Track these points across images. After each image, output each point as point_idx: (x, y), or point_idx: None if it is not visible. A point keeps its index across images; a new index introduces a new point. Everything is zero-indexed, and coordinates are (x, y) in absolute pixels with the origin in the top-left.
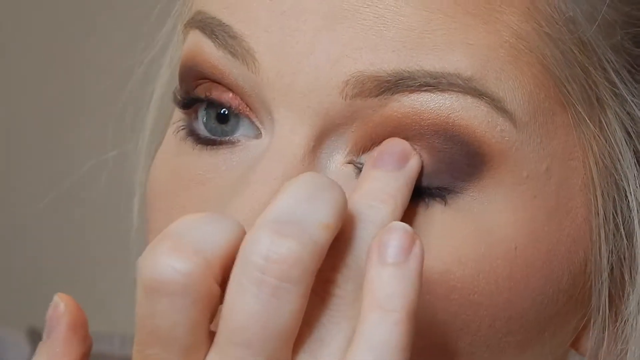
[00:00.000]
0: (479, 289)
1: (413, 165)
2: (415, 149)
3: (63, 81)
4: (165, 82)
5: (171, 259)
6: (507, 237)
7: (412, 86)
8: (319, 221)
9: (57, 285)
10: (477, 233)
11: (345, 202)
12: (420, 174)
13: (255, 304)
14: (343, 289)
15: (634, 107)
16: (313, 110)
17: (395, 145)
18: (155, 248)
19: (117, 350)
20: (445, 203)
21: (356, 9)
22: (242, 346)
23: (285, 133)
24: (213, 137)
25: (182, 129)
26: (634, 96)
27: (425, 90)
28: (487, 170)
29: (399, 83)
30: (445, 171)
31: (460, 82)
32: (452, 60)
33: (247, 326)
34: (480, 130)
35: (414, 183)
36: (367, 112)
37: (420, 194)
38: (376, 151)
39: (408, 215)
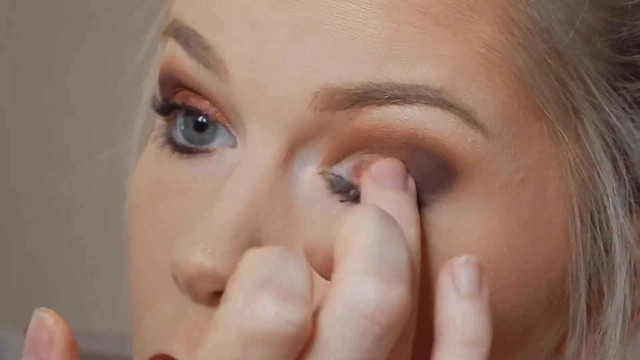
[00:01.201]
0: None
1: (413, 185)
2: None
3: (58, 81)
4: (154, 83)
5: (283, 309)
6: (480, 249)
7: (381, 99)
8: (404, 260)
9: (57, 285)
10: (449, 247)
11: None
12: None
13: (355, 353)
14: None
15: (613, 116)
16: (284, 122)
17: (395, 165)
18: (260, 296)
19: (117, 350)
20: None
21: (324, 22)
22: None
23: (256, 145)
24: (190, 145)
25: (161, 137)
26: (612, 106)
27: (393, 103)
28: (458, 182)
29: (367, 96)
30: (417, 183)
31: (429, 94)
32: (421, 72)
33: None
34: (450, 142)
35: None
36: (338, 124)
37: None
38: (376, 169)
39: None
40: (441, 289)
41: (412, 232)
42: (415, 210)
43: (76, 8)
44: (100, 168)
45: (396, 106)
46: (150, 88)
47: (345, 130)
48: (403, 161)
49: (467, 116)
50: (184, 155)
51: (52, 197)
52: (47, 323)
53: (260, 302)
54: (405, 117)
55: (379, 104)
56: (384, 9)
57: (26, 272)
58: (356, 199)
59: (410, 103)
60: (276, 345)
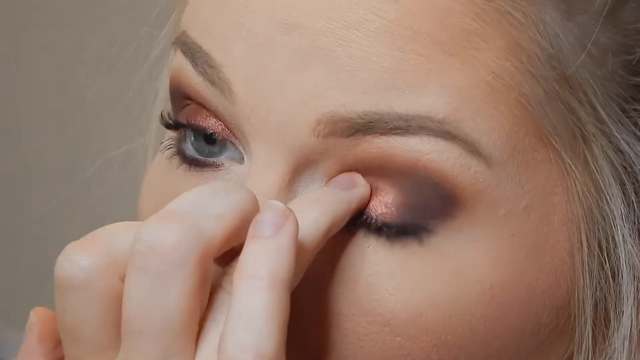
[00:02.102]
0: (451, 329)
1: (360, 190)
2: (389, 186)
3: (69, 79)
4: (167, 84)
5: (77, 256)
6: (482, 277)
7: (383, 129)
8: (211, 212)
9: None
10: (451, 274)
11: (251, 203)
12: (395, 211)
13: (141, 290)
14: None
15: (622, 142)
16: (287, 146)
17: (345, 174)
18: (68, 247)
19: None
20: (420, 241)
21: (329, 48)
22: (137, 336)
23: (260, 167)
24: (198, 157)
25: (170, 148)
26: (622, 130)
27: (396, 133)
28: (460, 211)
29: (370, 125)
30: (419, 210)
31: (432, 125)
32: (425, 102)
33: (137, 314)
34: (452, 173)
35: (355, 205)
36: (341, 150)
37: (396, 233)
38: None
39: (383, 254)
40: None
41: (310, 215)
42: (334, 201)
43: (91, 5)
44: (106, 169)
45: (398, 137)
46: (164, 88)
47: (348, 156)
48: (405, 189)
49: (470, 147)
50: (192, 168)
51: (52, 197)
52: (30, 317)
53: (65, 251)
54: (407, 148)
55: (382, 134)
56: (389, 37)
57: (26, 272)
58: (360, 223)
59: (413, 134)
60: (72, 290)
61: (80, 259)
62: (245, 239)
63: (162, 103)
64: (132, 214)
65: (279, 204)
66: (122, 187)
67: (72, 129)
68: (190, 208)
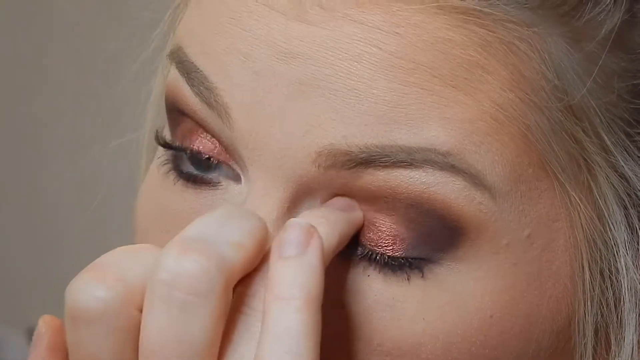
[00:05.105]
0: (452, 358)
1: (357, 214)
2: (393, 218)
3: (68, 82)
4: (162, 82)
5: (91, 286)
6: (483, 306)
7: (386, 162)
8: (229, 240)
9: (58, 285)
10: (452, 304)
11: (264, 230)
12: (398, 244)
13: (165, 320)
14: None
15: (627, 168)
16: (286, 175)
17: (340, 198)
18: (79, 276)
19: None
20: (423, 275)
21: (328, 79)
22: None
23: (258, 194)
24: (195, 172)
25: (166, 164)
26: (627, 157)
27: (399, 166)
28: (464, 241)
29: (372, 159)
30: (422, 242)
31: (436, 158)
32: (428, 135)
33: (159, 344)
34: (456, 204)
35: (353, 229)
36: (342, 181)
37: (400, 266)
38: None
39: (384, 283)
40: (270, 255)
41: (321, 229)
42: (339, 219)
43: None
44: (106, 168)
45: (402, 169)
46: (158, 85)
47: (350, 187)
48: (409, 221)
49: (474, 179)
50: (189, 185)
51: (53, 198)
52: (39, 325)
53: (77, 282)
54: (410, 181)
55: (384, 167)
56: (390, 70)
57: (26, 272)
58: (364, 255)
59: (417, 167)
60: (90, 322)
61: (94, 289)
62: (256, 265)
63: (155, 109)
64: (129, 214)
65: (302, 221)
66: (119, 189)
67: (70, 129)
68: (207, 236)
